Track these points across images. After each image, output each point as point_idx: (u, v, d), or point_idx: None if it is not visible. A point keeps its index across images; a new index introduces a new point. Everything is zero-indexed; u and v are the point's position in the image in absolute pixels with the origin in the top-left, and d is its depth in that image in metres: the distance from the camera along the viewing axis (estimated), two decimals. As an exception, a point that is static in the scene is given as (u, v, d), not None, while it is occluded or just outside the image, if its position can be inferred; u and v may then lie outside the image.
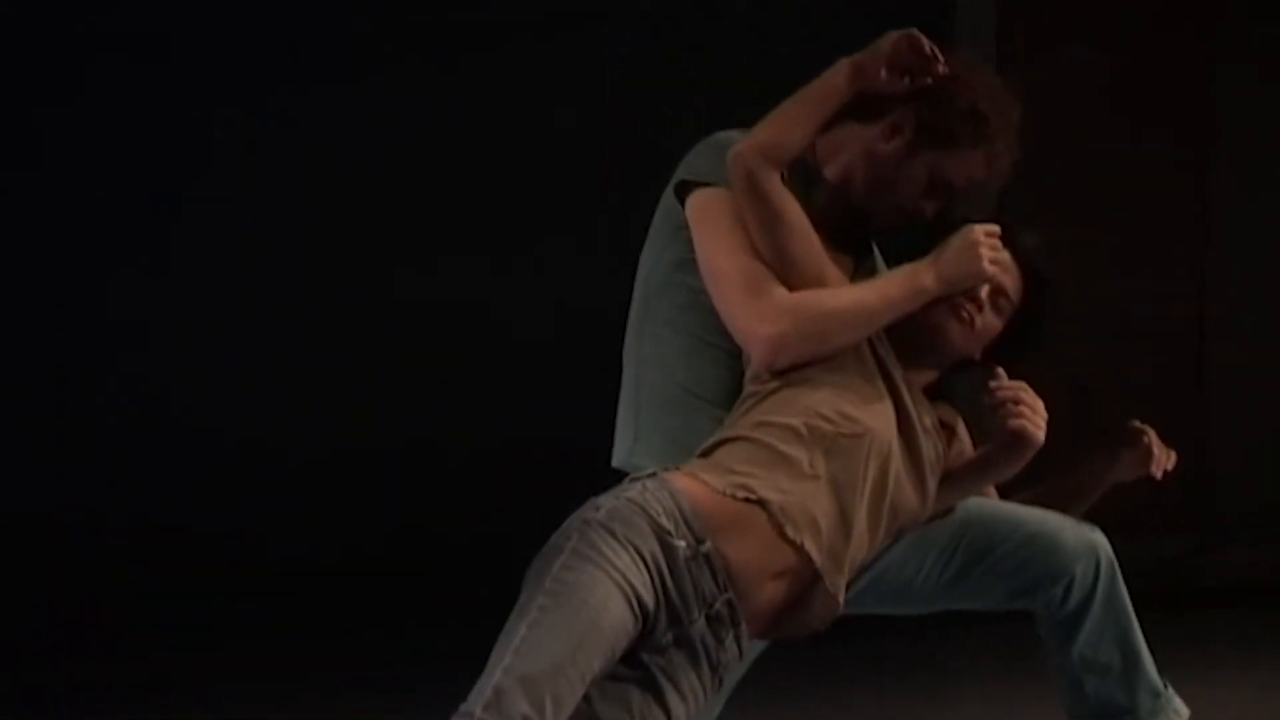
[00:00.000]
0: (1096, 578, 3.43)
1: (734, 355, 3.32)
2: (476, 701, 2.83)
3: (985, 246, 3.26)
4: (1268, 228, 6.63)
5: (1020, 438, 3.26)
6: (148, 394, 5.56)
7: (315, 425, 5.66)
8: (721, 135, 3.37)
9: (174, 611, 5.50)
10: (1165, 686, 3.50)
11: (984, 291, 3.32)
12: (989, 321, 3.34)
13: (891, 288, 3.27)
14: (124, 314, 5.53)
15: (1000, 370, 3.32)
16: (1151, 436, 3.58)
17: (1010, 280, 3.36)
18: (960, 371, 3.43)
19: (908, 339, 3.31)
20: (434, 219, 5.73)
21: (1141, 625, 3.50)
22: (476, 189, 5.73)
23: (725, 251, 3.27)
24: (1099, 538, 3.48)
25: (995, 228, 3.30)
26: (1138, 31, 6.46)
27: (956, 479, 3.33)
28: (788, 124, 3.26)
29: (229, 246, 5.61)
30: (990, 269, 3.26)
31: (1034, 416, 3.25)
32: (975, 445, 3.41)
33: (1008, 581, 3.45)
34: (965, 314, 3.30)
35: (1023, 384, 3.28)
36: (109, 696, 5.30)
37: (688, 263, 3.35)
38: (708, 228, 3.31)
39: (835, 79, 3.27)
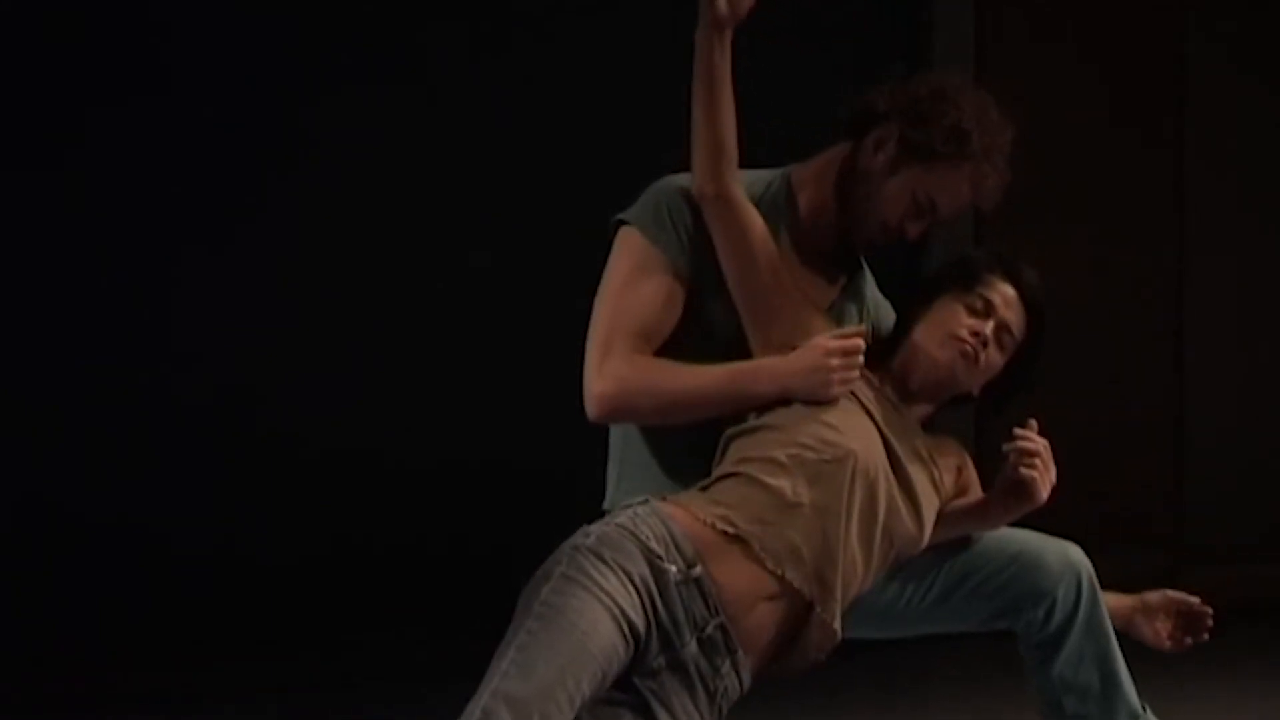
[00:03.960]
0: (1078, 600, 3.52)
1: None
2: None
3: (837, 371, 3.31)
4: (1246, 231, 6.69)
5: (1023, 488, 3.37)
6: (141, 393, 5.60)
7: (317, 431, 5.70)
8: (666, 180, 3.49)
9: (157, 623, 5.55)
10: (1144, 709, 3.59)
11: (989, 327, 3.41)
12: (992, 358, 3.44)
13: (729, 384, 3.34)
14: (117, 310, 5.57)
15: (1033, 422, 3.40)
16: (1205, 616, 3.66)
17: (1015, 317, 3.46)
18: (958, 406, 3.55)
19: (909, 370, 3.43)
20: (443, 227, 5.78)
21: (1118, 642, 3.60)
22: (488, 195, 5.78)
23: (607, 297, 3.43)
24: (1081, 559, 3.56)
25: (856, 344, 3.33)
26: (1109, 27, 6.54)
27: (952, 517, 3.44)
28: (707, 124, 3.33)
29: (228, 249, 5.66)
30: (840, 391, 3.32)
31: (1044, 474, 3.36)
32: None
33: (990, 603, 3.54)
34: (970, 349, 3.40)
35: (1045, 443, 3.38)
36: (99, 708, 5.36)
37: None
38: (609, 270, 3.46)
39: (702, 49, 3.30)
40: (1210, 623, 3.65)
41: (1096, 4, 6.51)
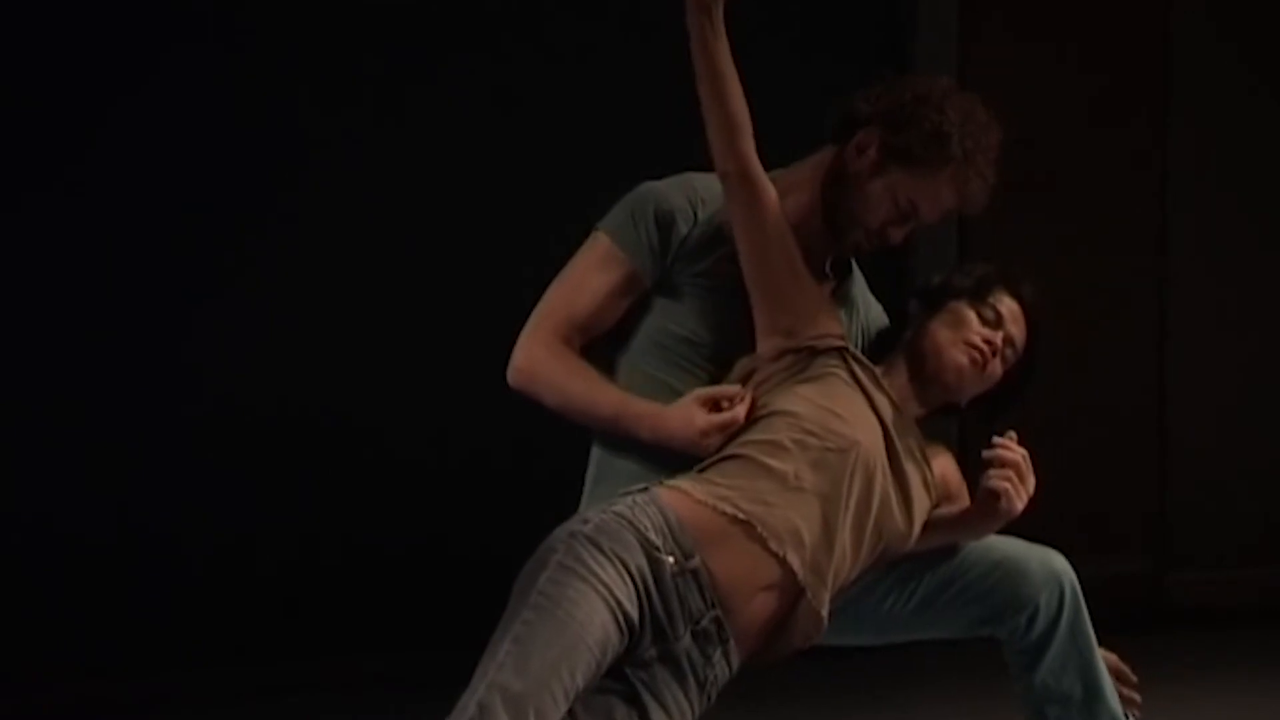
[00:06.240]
0: (1060, 608, 3.57)
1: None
2: (460, 717, 2.95)
3: (713, 444, 3.36)
4: (1231, 231, 6.71)
5: (997, 500, 3.42)
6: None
7: (314, 434, 5.69)
8: (643, 185, 3.57)
9: (159, 629, 5.56)
10: (1127, 717, 3.67)
11: (999, 337, 3.49)
12: (995, 369, 3.52)
13: (615, 418, 3.45)
14: (117, 310, 5.55)
15: (1013, 433, 3.46)
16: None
17: (1019, 332, 3.55)
18: (945, 416, 3.58)
19: (916, 368, 3.50)
20: (437, 228, 5.77)
21: (1100, 647, 3.65)
22: (488, 197, 5.79)
23: (558, 282, 3.56)
24: (1064, 567, 3.62)
25: (734, 418, 3.34)
26: (1094, 25, 6.56)
27: (935, 525, 3.50)
28: (715, 104, 3.36)
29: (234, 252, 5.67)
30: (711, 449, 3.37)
31: (1019, 487, 3.41)
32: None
33: (972, 609, 3.59)
34: (980, 356, 3.47)
35: (1025, 454, 3.43)
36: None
37: (646, 304, 3.55)
38: (571, 260, 3.57)
39: (694, 32, 3.33)
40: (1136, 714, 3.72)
41: (1081, 2, 6.53)
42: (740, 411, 3.36)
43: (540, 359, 3.49)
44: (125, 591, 5.51)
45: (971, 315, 3.52)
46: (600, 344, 3.57)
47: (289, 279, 5.67)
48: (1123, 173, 6.59)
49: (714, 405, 3.39)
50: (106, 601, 5.49)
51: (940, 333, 3.52)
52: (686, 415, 3.38)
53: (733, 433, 3.35)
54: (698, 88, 3.36)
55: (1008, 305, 3.55)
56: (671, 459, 3.41)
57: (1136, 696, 3.70)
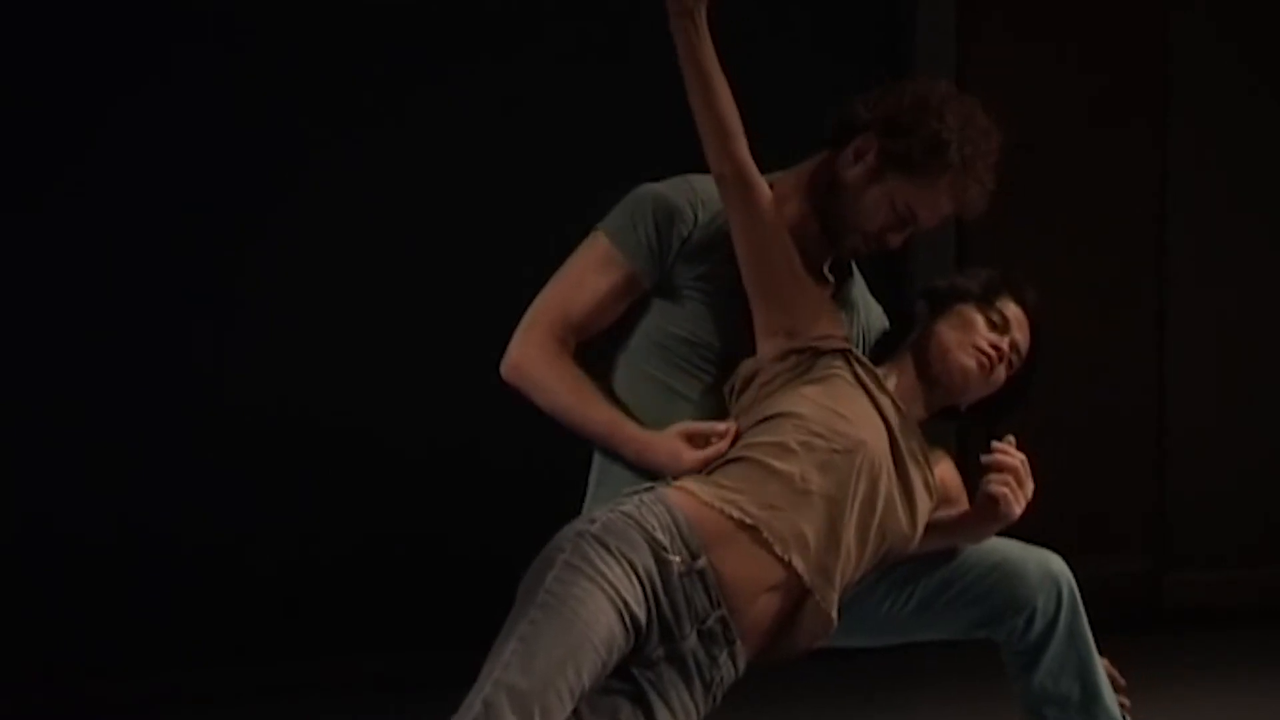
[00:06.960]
0: (1058, 609, 3.60)
1: (694, 399, 3.51)
2: (466, 715, 2.98)
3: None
4: (1231, 233, 6.71)
5: (996, 505, 3.44)
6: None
7: (313, 436, 5.70)
8: (641, 187, 3.60)
9: (159, 629, 5.58)
10: (1124, 718, 3.67)
11: (1005, 342, 3.52)
12: (999, 375, 3.55)
13: (603, 433, 3.48)
14: (116, 311, 5.57)
15: (1012, 437, 3.49)
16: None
17: (1023, 338, 3.58)
18: (948, 421, 3.60)
19: (922, 369, 3.53)
20: (444, 228, 5.79)
21: (1098, 648, 3.67)
22: (495, 198, 5.80)
23: (555, 280, 3.58)
24: (1062, 569, 3.65)
25: (719, 453, 3.36)
26: (1093, 27, 6.56)
27: (934, 529, 3.52)
28: (706, 109, 3.39)
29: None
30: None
31: (1017, 491, 3.44)
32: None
33: (970, 611, 3.62)
34: (986, 360, 3.50)
35: (1024, 458, 3.46)
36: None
37: (646, 305, 3.57)
38: (569, 259, 3.60)
39: (679, 38, 3.35)
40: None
41: (1081, 2, 6.54)
42: (725, 447, 3.38)
43: (534, 358, 3.52)
44: (125, 591, 5.54)
45: (979, 319, 3.55)
46: (599, 341, 3.59)
47: (289, 279, 5.68)
48: (1122, 173, 6.60)
49: (701, 439, 3.41)
50: (106, 601, 5.52)
51: (947, 335, 3.54)
52: (673, 450, 3.41)
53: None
54: (688, 94, 3.39)
55: (1013, 311, 3.58)
56: None
57: (1125, 700, 3.72)
